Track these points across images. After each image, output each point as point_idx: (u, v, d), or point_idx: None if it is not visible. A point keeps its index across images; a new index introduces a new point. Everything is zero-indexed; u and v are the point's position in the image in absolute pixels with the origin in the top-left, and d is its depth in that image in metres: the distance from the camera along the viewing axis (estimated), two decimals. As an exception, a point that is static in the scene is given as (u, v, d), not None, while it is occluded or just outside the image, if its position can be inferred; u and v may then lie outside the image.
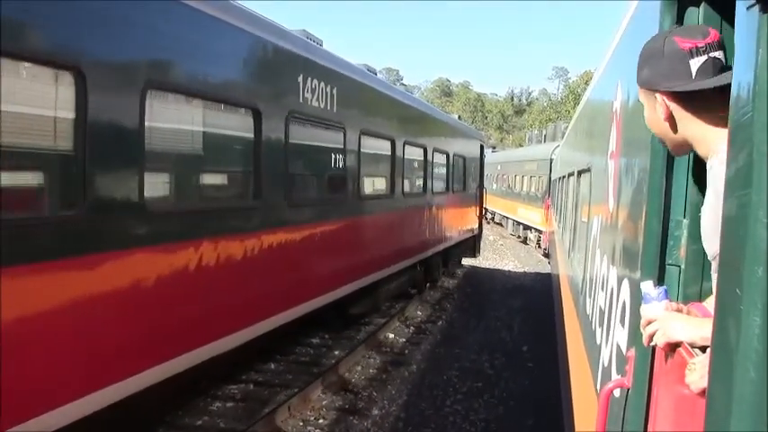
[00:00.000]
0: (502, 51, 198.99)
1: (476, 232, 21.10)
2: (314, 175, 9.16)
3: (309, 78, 8.07)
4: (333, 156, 9.37)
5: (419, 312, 15.11)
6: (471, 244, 21.02)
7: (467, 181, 19.03)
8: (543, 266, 22.46)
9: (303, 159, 8.54)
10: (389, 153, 11.69)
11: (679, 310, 1.97)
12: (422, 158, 13.94)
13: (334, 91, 8.86)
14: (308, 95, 8.05)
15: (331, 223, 9.12)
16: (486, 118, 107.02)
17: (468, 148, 19.54)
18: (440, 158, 15.67)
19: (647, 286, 2.05)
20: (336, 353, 10.89)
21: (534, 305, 16.42)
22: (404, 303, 15.05)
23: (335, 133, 9.29)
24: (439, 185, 15.69)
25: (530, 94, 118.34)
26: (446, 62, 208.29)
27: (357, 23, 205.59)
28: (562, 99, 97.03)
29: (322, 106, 8.47)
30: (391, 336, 12.62)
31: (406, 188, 12.73)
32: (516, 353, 11.88)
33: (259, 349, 9.17)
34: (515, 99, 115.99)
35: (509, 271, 23.21)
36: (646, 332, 1.99)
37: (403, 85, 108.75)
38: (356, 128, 9.83)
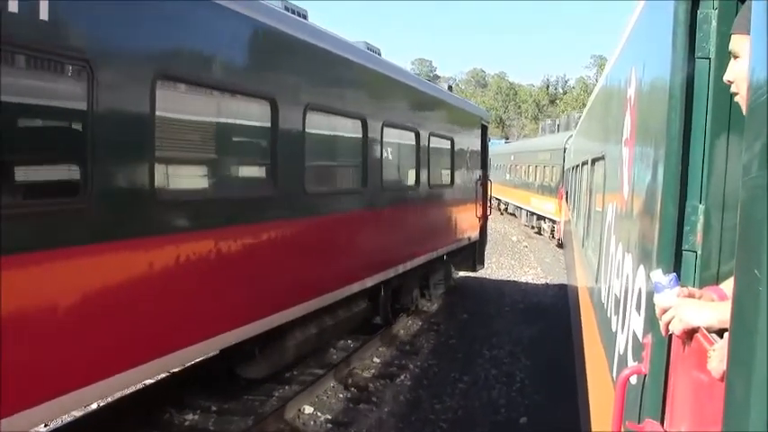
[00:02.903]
0: (538, 42, 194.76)
1: (476, 239, 15.99)
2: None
3: None
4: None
5: (375, 360, 10.38)
6: (470, 254, 16.10)
7: (457, 171, 13.94)
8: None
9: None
10: (269, 126, 6.90)
11: (691, 295, 1.96)
12: (360, 137, 9.11)
13: None
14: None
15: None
16: (520, 108, 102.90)
17: (461, 129, 14.59)
18: (403, 139, 10.98)
19: (657, 275, 2.05)
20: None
21: (552, 336, 12.10)
22: (357, 344, 10.69)
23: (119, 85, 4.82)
24: (401, 179, 11.20)
25: (566, 82, 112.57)
26: (481, 53, 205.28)
27: (389, 15, 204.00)
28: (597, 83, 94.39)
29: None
30: (309, 410, 8.06)
31: (312, 183, 7.76)
32: (508, 432, 7.94)
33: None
34: (551, 88, 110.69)
35: (526, 283, 18.51)
36: (662, 321, 1.99)
37: (437, 76, 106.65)
38: (154, 73, 5.12)
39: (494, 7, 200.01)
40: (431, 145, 11.99)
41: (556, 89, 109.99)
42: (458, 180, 14.09)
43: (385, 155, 9.87)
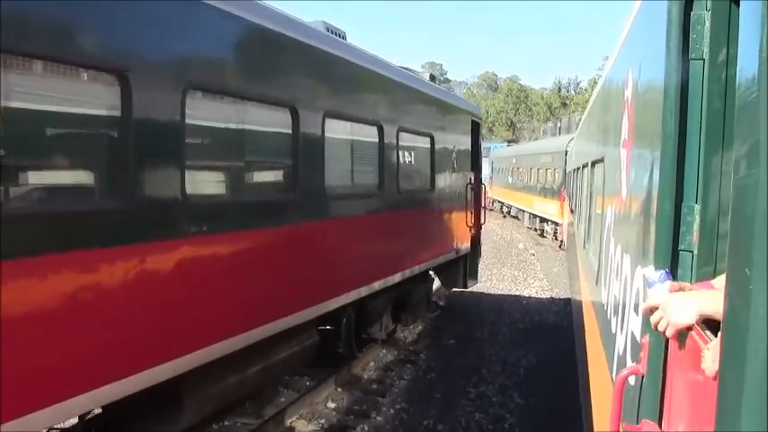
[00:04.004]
0: (551, 45, 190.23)
1: (466, 251, 13.82)
2: None
3: None
4: None
5: (329, 405, 8.49)
6: (459, 269, 13.90)
7: (439, 174, 11.76)
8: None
9: None
10: (118, 113, 4.77)
11: (682, 289, 1.97)
12: (288, 131, 6.96)
13: None
14: None
15: None
16: (531, 110, 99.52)
17: (445, 125, 12.30)
18: (358, 135, 9.01)
19: (649, 271, 2.06)
20: None
21: (553, 362, 10.49)
22: (312, 383, 8.90)
23: None
24: (356, 184, 9.11)
25: (578, 84, 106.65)
26: (494, 57, 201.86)
27: (401, 18, 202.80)
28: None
29: None
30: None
31: (199, 190, 5.90)
32: None
33: None
34: (563, 90, 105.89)
35: (529, 297, 16.57)
36: (652, 321, 2.01)
37: (447, 80, 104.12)
38: None
39: (504, 7, 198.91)
40: (400, 142, 9.88)
41: (568, 91, 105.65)
42: (440, 184, 11.89)
43: (328, 154, 7.69)
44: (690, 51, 2.19)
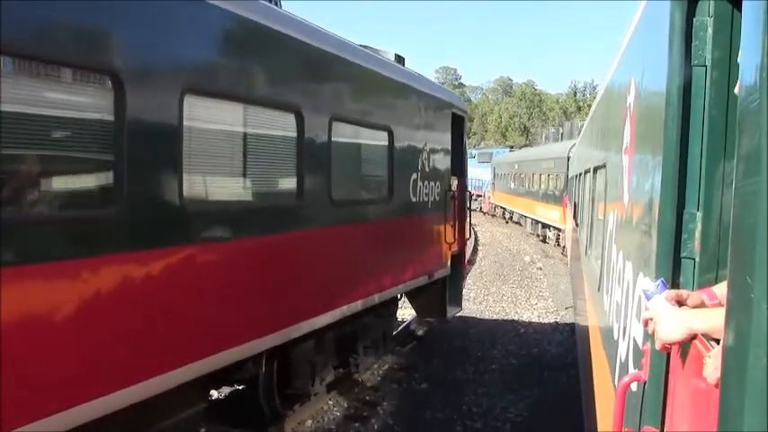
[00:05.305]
0: (567, 49, 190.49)
1: (445, 274, 11.04)
2: None
3: None
4: None
5: None
6: (436, 296, 11.25)
7: (400, 179, 9.07)
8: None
9: None
10: None
11: (679, 298, 1.97)
12: (109, 118, 4.26)
13: None
14: None
15: None
16: (546, 115, 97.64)
17: (412, 117, 9.70)
18: (256, 126, 6.22)
19: (645, 283, 2.07)
20: None
21: (554, 415, 8.33)
22: None
23: None
24: (256, 193, 6.27)
25: (594, 88, 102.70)
26: (509, 62, 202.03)
27: (413, 21, 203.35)
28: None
29: None
30: None
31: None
32: None
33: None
34: (578, 94, 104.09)
35: (529, 322, 13.86)
36: (649, 331, 2.02)
37: (461, 85, 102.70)
38: None
39: (520, 8, 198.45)
40: (334, 137, 7.20)
41: (584, 95, 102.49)
42: (403, 191, 9.26)
43: (194, 150, 5.14)
44: (692, 58, 2.20)
